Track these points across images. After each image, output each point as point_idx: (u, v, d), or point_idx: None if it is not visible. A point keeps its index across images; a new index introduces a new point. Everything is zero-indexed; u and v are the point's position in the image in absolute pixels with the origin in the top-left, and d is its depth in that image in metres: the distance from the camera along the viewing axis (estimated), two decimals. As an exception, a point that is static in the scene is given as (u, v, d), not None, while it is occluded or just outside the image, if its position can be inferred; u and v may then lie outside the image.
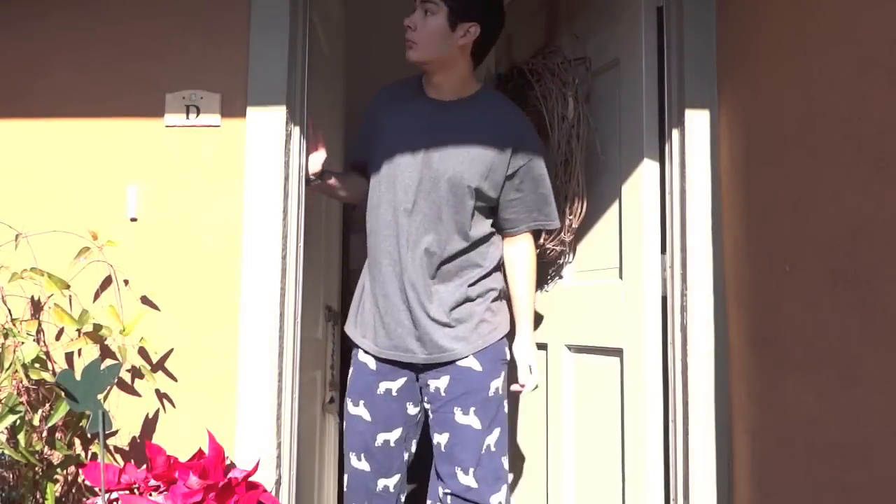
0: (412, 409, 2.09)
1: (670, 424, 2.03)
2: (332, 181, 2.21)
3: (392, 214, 2.03)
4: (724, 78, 1.97)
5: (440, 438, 2.02)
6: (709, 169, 1.98)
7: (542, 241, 2.37)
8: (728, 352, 1.92)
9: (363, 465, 2.06)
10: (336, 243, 2.89)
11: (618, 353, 2.16)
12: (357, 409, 2.08)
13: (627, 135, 2.17)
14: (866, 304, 1.31)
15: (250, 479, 1.78)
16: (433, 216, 2.01)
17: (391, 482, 2.07)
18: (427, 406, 2.08)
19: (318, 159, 2.14)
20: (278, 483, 2.04)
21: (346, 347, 3.06)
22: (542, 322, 2.41)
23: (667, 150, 2.08)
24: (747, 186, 1.82)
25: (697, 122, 1.99)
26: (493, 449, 2.00)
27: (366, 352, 2.09)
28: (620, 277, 2.18)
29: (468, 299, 2.04)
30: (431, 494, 2.07)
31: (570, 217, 2.30)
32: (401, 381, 2.06)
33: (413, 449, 2.13)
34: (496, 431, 2.02)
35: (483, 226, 2.07)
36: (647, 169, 2.10)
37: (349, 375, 2.13)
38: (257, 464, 1.85)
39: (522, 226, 2.11)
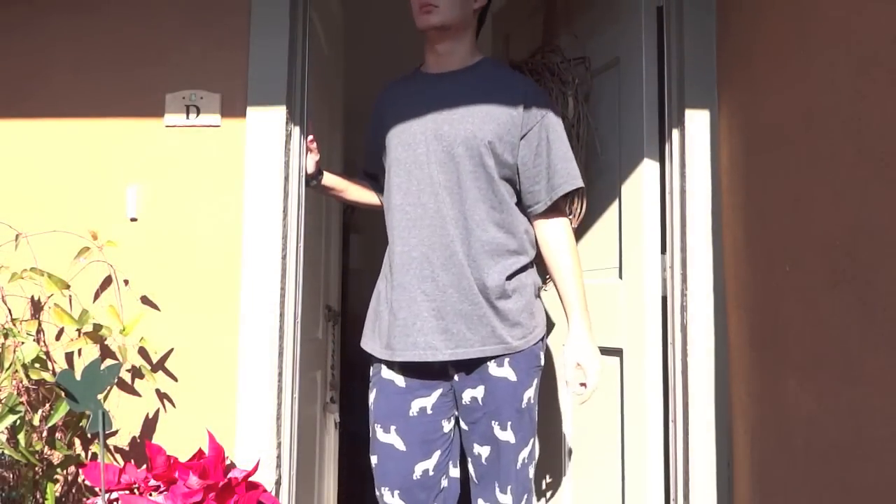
0: (447, 427, 1.92)
1: (670, 424, 2.03)
2: (336, 183, 2.16)
3: (403, 198, 1.90)
4: (724, 78, 1.97)
5: (481, 450, 1.88)
6: (709, 169, 1.98)
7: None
8: (728, 352, 1.92)
9: (395, 503, 1.87)
10: (336, 243, 2.90)
11: (618, 353, 2.16)
12: (388, 437, 1.88)
13: (627, 135, 2.17)
14: (866, 304, 1.31)
15: (250, 479, 1.78)
16: (453, 187, 1.86)
17: None
18: (462, 418, 1.91)
19: (310, 161, 2.11)
20: (278, 483, 2.04)
21: (346, 348, 3.07)
22: (542, 322, 2.41)
23: (667, 150, 2.08)
24: (747, 186, 1.82)
25: (697, 122, 2.00)
26: (525, 462, 1.89)
27: (389, 367, 1.91)
28: (620, 277, 2.18)
29: (504, 295, 1.86)
30: None
31: (570, 217, 2.29)
32: (435, 396, 1.89)
33: (453, 473, 1.94)
34: (530, 443, 1.89)
35: (511, 199, 1.91)
36: (647, 169, 2.10)
37: (372, 399, 1.94)
38: (257, 464, 1.85)
39: (551, 194, 1.91)
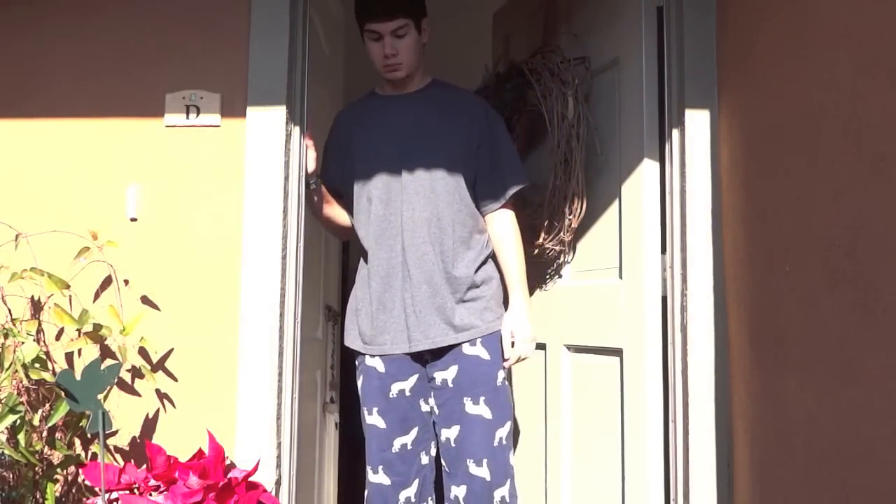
0: (425, 407, 2.09)
1: (670, 424, 2.03)
2: (325, 193, 2.20)
3: (384, 208, 2.07)
4: (724, 78, 1.97)
5: (449, 433, 2.01)
6: (709, 169, 1.98)
7: (541, 240, 2.37)
8: (728, 352, 1.92)
9: (381, 479, 2.05)
10: (336, 243, 2.89)
11: (618, 353, 2.16)
12: (372, 418, 2.07)
13: (627, 134, 2.17)
14: (866, 304, 1.31)
15: (250, 479, 1.78)
16: (427, 193, 2.05)
17: (412, 492, 2.05)
18: (432, 402, 2.07)
19: (311, 157, 2.12)
20: (278, 483, 2.04)
21: (346, 347, 3.07)
22: (542, 322, 2.40)
23: (667, 150, 2.08)
24: (747, 186, 1.82)
25: (697, 122, 1.99)
26: (504, 442, 2.01)
27: (372, 355, 2.09)
28: (620, 277, 2.18)
29: (473, 285, 2.06)
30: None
31: (570, 217, 2.30)
32: (413, 380, 2.06)
33: (433, 452, 2.10)
34: (507, 424, 2.03)
35: (472, 201, 2.11)
36: (647, 169, 2.10)
37: (360, 385, 2.13)
38: (257, 464, 1.85)
39: (505, 192, 2.12)
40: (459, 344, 2.03)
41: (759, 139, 1.76)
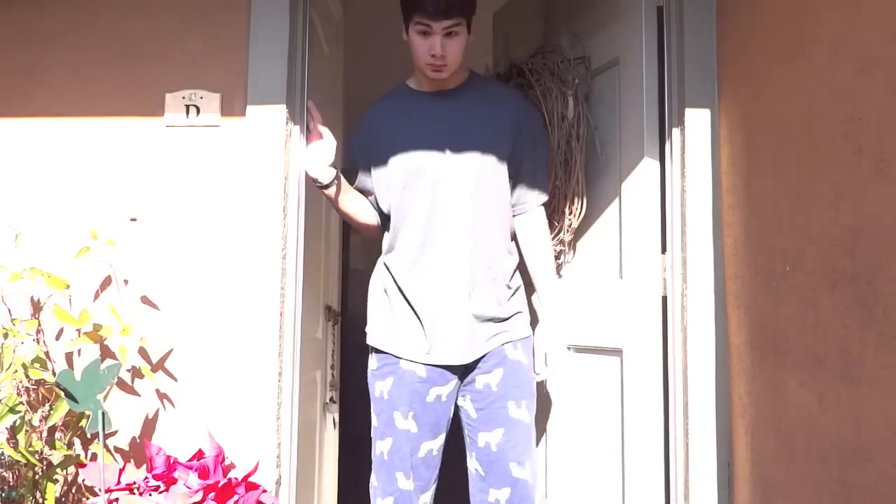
0: (452, 412, 2.02)
1: (670, 424, 2.03)
2: (346, 188, 2.07)
3: (430, 212, 1.97)
4: (724, 77, 1.97)
5: (490, 437, 1.95)
6: (709, 169, 1.98)
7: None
8: (728, 352, 1.92)
9: (408, 485, 1.95)
10: (336, 243, 2.89)
11: (618, 353, 2.16)
12: (406, 423, 1.95)
13: (627, 134, 2.17)
14: (866, 304, 1.31)
15: (250, 479, 1.78)
16: (474, 196, 1.96)
17: (428, 498, 2.00)
18: (473, 404, 1.98)
19: (329, 148, 1.99)
20: (278, 483, 2.04)
21: (346, 348, 3.07)
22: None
23: (667, 150, 2.08)
24: (747, 186, 1.82)
25: (697, 122, 1.99)
26: (536, 446, 2.03)
27: (412, 360, 1.98)
28: (620, 277, 2.17)
29: (513, 291, 2.05)
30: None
31: (570, 216, 2.29)
32: (451, 385, 1.98)
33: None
34: (534, 428, 2.02)
35: (510, 206, 2.06)
36: (647, 168, 2.10)
37: (387, 387, 1.99)
38: (257, 464, 1.85)
39: (541, 198, 2.09)
40: (502, 346, 1.98)
41: (759, 139, 1.76)
